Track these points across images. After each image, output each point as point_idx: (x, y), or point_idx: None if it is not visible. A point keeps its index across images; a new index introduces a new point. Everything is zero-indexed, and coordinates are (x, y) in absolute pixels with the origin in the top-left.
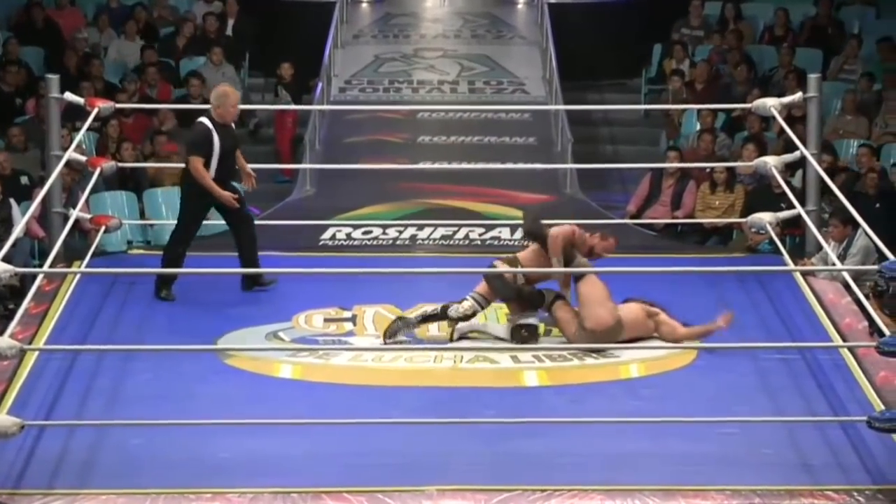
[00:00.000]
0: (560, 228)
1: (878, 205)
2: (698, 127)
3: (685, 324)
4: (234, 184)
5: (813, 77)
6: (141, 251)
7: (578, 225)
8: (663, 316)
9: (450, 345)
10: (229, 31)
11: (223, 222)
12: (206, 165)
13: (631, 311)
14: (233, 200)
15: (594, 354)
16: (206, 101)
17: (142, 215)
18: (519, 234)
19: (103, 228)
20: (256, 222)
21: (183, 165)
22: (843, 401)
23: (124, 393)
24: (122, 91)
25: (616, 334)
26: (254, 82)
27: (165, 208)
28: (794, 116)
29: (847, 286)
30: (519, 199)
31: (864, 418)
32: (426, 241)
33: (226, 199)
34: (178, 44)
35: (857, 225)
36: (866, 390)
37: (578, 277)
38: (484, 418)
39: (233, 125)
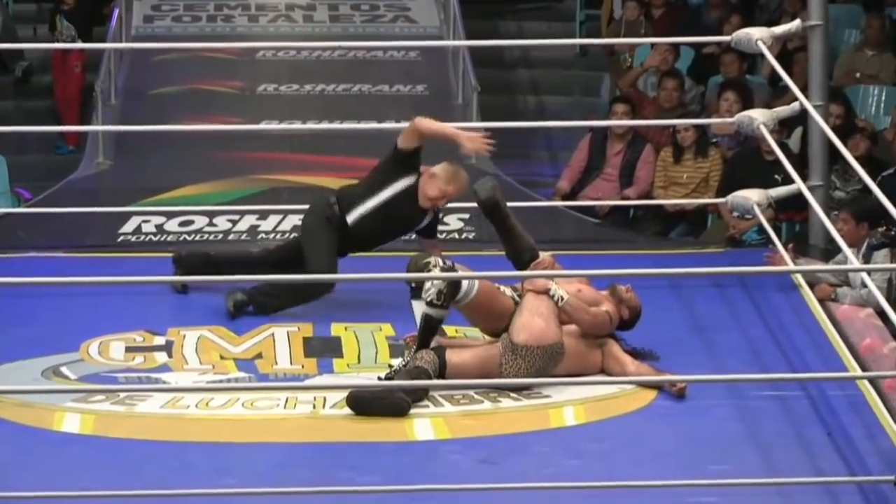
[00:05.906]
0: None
1: None
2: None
3: (635, 353)
4: None
5: None
6: None
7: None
8: (613, 346)
9: (308, 382)
10: None
11: None
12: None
13: (574, 335)
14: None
15: (512, 393)
16: None
17: None
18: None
19: None
20: (25, 210)
21: None
22: (861, 454)
23: None
24: None
25: (552, 360)
26: (22, 10)
27: None
28: (791, 52)
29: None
30: None
31: (892, 478)
32: (272, 235)
33: None
34: None
35: (877, 223)
36: (895, 439)
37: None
38: (357, 486)
39: (428, 214)
